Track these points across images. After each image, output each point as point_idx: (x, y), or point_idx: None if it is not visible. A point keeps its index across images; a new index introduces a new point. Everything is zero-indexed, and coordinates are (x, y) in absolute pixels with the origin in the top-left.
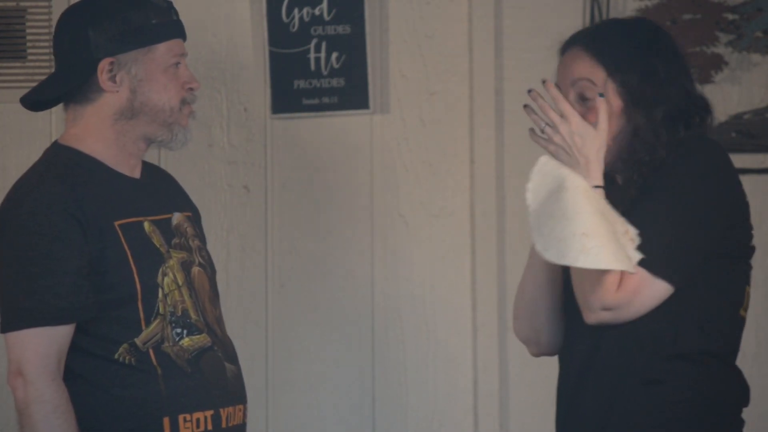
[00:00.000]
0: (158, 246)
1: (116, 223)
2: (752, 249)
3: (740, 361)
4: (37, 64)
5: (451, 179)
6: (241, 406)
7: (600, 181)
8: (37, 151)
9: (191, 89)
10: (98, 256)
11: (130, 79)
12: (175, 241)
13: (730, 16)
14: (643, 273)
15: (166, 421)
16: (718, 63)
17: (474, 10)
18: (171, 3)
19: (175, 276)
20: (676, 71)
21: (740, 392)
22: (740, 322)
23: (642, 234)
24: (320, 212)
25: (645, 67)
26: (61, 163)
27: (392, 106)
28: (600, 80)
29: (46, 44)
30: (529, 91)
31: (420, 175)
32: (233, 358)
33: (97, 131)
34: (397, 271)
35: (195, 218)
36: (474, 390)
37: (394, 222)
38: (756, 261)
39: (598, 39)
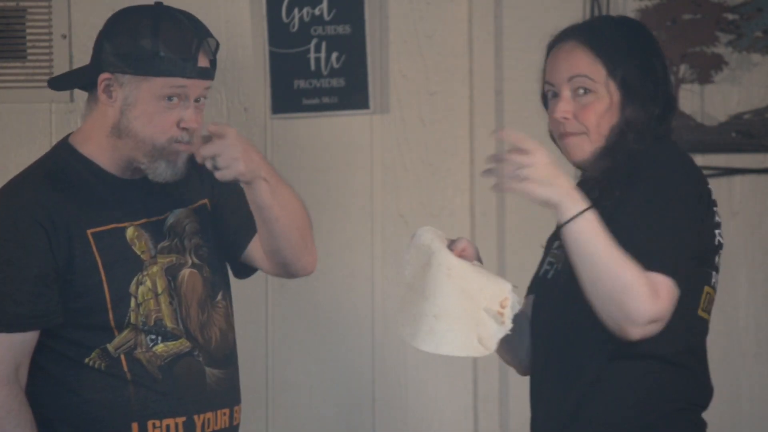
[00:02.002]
0: (139, 253)
1: (89, 231)
2: (714, 249)
3: (740, 361)
4: (37, 64)
5: (451, 179)
6: (226, 410)
7: (586, 202)
8: (37, 150)
9: (186, 129)
10: (65, 264)
11: (122, 100)
12: (164, 244)
13: (730, 16)
14: (671, 282)
15: (134, 426)
16: (718, 63)
17: (474, 10)
18: (202, 44)
19: (154, 283)
20: (665, 70)
21: (693, 394)
22: (699, 323)
23: (658, 242)
24: (320, 212)
25: (644, 63)
26: (51, 165)
27: (392, 106)
28: (600, 76)
29: (46, 44)
30: (496, 132)
31: (420, 175)
32: (219, 362)
33: (97, 136)
34: (397, 271)
35: (209, 206)
36: (474, 390)
37: (394, 222)
38: (756, 261)
39: (596, 35)
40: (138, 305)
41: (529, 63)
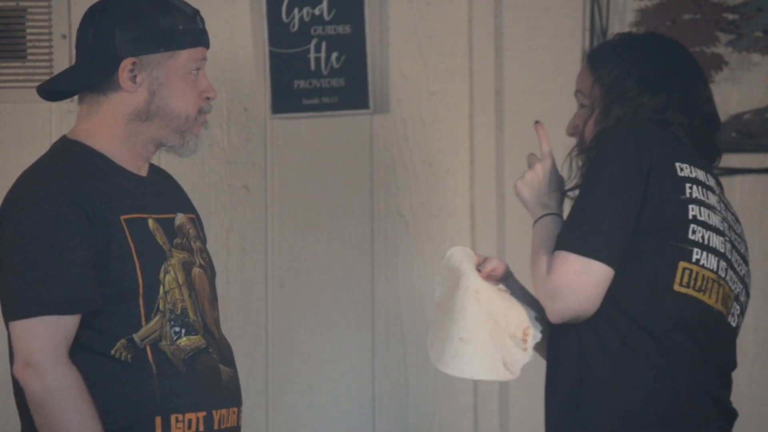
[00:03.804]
0: (161, 244)
1: (122, 217)
2: (686, 223)
3: (741, 361)
4: (37, 64)
5: (451, 179)
6: (235, 409)
7: (553, 209)
8: (37, 151)
9: (208, 98)
10: (103, 249)
11: (150, 82)
12: (177, 241)
13: (730, 16)
14: (569, 254)
15: (158, 420)
16: (718, 63)
17: (474, 10)
18: (197, 11)
19: (176, 274)
20: (664, 79)
21: (700, 377)
22: (681, 299)
23: (566, 223)
24: (320, 212)
25: (618, 70)
26: (68, 156)
27: (392, 106)
28: (587, 87)
29: (46, 44)
30: (536, 122)
31: (420, 175)
32: (229, 361)
33: (109, 129)
34: (397, 271)
35: (197, 221)
36: (474, 390)
37: (394, 222)
38: (756, 261)
39: (596, 50)
40: (165, 293)
41: (529, 63)
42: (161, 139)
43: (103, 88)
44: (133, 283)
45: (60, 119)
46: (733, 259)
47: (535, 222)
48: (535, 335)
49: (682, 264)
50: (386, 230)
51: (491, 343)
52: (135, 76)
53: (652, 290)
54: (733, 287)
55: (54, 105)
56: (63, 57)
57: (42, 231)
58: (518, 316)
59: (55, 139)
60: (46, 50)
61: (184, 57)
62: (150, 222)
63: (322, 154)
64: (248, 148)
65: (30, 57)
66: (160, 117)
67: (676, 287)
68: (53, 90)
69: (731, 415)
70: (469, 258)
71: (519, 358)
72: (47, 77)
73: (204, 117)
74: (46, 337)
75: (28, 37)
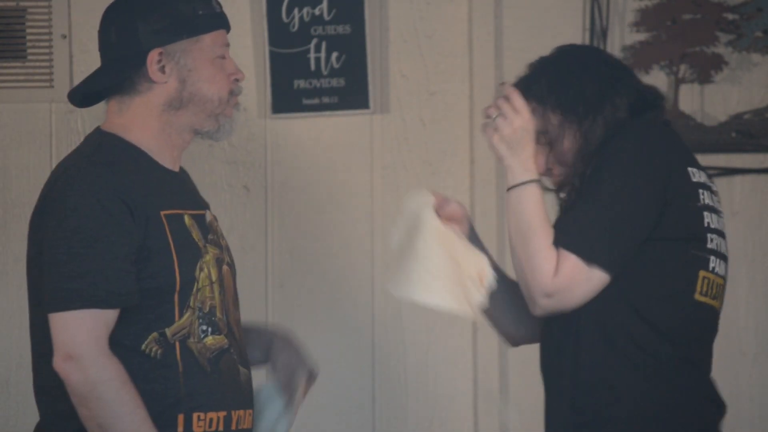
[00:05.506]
0: (197, 240)
1: (162, 213)
2: (704, 231)
3: (740, 361)
4: (37, 64)
5: (451, 179)
6: (250, 411)
7: (536, 175)
8: (37, 151)
9: (237, 80)
10: (143, 244)
11: (179, 70)
12: (210, 237)
13: (730, 16)
14: (578, 260)
15: (180, 417)
16: (718, 63)
17: (474, 10)
18: None
19: (209, 271)
20: (610, 78)
21: (688, 380)
22: (699, 308)
23: (577, 222)
24: (320, 212)
25: (574, 85)
26: (107, 149)
27: (392, 106)
28: (538, 119)
29: (46, 44)
30: (502, 83)
31: (420, 175)
32: (246, 363)
33: (143, 122)
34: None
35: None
36: (474, 390)
37: (394, 222)
38: (756, 261)
39: (529, 82)
40: (197, 290)
41: (528, 63)
42: (196, 125)
43: (132, 83)
44: (171, 279)
45: (60, 119)
46: (728, 255)
47: (515, 186)
48: (490, 279)
49: (702, 273)
50: (386, 230)
51: (456, 280)
52: (164, 67)
53: (674, 299)
54: (726, 280)
55: (54, 105)
56: (63, 57)
57: (85, 224)
58: (474, 259)
59: (55, 139)
60: (46, 50)
61: (208, 41)
62: (186, 218)
63: (322, 154)
64: (248, 148)
65: (30, 57)
66: (194, 103)
67: (697, 296)
68: (85, 94)
69: (724, 409)
70: (428, 202)
71: (476, 300)
72: (47, 77)
73: (235, 99)
74: (88, 330)
75: (28, 37)
